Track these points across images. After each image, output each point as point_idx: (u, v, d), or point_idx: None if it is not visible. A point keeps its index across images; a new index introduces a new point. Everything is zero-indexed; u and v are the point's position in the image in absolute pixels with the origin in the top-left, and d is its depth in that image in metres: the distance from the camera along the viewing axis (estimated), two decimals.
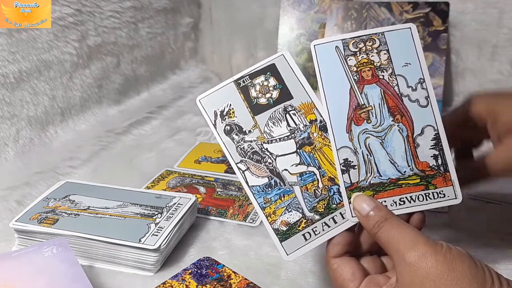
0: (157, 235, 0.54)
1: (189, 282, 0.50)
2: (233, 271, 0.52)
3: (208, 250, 0.58)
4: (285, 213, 0.46)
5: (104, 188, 0.64)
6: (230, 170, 0.78)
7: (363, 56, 0.48)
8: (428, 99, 0.46)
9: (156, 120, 0.99)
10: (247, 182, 0.47)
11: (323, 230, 0.46)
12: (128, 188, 0.64)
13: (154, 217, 0.58)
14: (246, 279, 0.51)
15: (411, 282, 0.38)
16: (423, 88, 0.47)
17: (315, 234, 0.46)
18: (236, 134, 0.47)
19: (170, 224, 0.56)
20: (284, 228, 0.46)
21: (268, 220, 0.46)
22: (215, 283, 0.50)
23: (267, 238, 0.60)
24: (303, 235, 0.46)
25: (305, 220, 0.46)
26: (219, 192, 0.71)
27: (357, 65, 0.48)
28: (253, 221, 0.64)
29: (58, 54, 0.84)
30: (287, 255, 0.45)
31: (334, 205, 0.46)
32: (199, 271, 0.52)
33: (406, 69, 0.47)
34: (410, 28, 0.47)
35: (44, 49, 0.81)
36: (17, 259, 0.48)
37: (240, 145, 0.47)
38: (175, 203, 0.60)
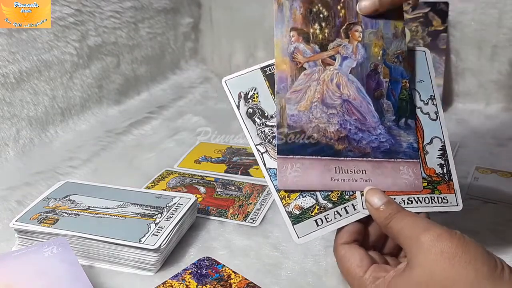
0: (157, 235, 0.54)
1: (189, 282, 0.50)
2: (233, 271, 0.52)
3: (208, 250, 0.58)
4: (299, 198, 0.47)
5: (104, 188, 0.64)
6: (230, 170, 0.78)
7: None
8: (437, 114, 0.51)
9: (156, 120, 0.99)
10: (264, 164, 0.48)
11: (335, 218, 0.47)
12: (128, 188, 0.64)
13: (154, 217, 0.58)
14: (246, 279, 0.51)
15: (425, 261, 0.38)
16: (433, 104, 0.51)
17: (327, 221, 0.47)
18: (258, 118, 0.49)
19: (170, 224, 0.56)
20: (297, 212, 0.47)
21: (282, 203, 0.47)
22: (215, 283, 0.50)
23: (267, 238, 0.60)
24: (315, 220, 0.47)
25: (318, 207, 0.47)
26: (219, 192, 0.71)
27: None
28: (253, 221, 0.64)
29: (58, 54, 0.84)
30: (298, 238, 0.46)
31: (347, 196, 0.48)
32: (199, 271, 0.52)
33: (420, 85, 0.51)
34: (425, 51, 0.52)
35: (44, 49, 0.82)
36: (17, 259, 0.48)
37: (261, 128, 0.49)
38: (175, 203, 0.60)
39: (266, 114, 0.49)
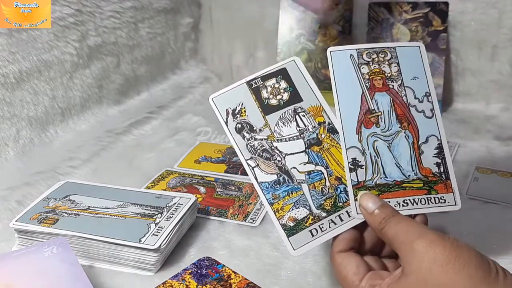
0: (157, 235, 0.54)
1: (189, 282, 0.50)
2: (233, 271, 0.52)
3: (208, 250, 0.58)
4: (292, 209, 0.47)
5: (104, 188, 0.64)
6: (230, 170, 0.78)
7: (375, 66, 0.51)
8: (433, 111, 0.50)
9: (156, 120, 0.99)
10: (256, 178, 0.48)
11: (330, 227, 0.47)
12: (128, 188, 0.64)
13: (154, 217, 0.58)
14: (246, 279, 0.51)
15: (418, 269, 0.38)
16: (429, 101, 0.50)
17: (322, 231, 0.47)
18: (247, 132, 0.49)
19: (170, 224, 0.56)
20: (292, 224, 0.47)
21: (276, 216, 0.47)
22: (215, 283, 0.50)
23: (267, 238, 0.60)
24: (310, 231, 0.47)
25: (312, 217, 0.47)
26: (219, 192, 0.71)
27: (369, 74, 0.50)
28: (253, 221, 0.64)
29: (58, 54, 0.84)
30: (294, 250, 0.46)
31: (340, 204, 0.48)
32: (199, 271, 0.52)
33: (414, 82, 0.50)
34: (419, 46, 0.51)
35: (44, 49, 0.82)
36: (17, 259, 0.48)
37: (250, 142, 0.49)
38: (175, 203, 0.60)
39: (254, 128, 0.49)
